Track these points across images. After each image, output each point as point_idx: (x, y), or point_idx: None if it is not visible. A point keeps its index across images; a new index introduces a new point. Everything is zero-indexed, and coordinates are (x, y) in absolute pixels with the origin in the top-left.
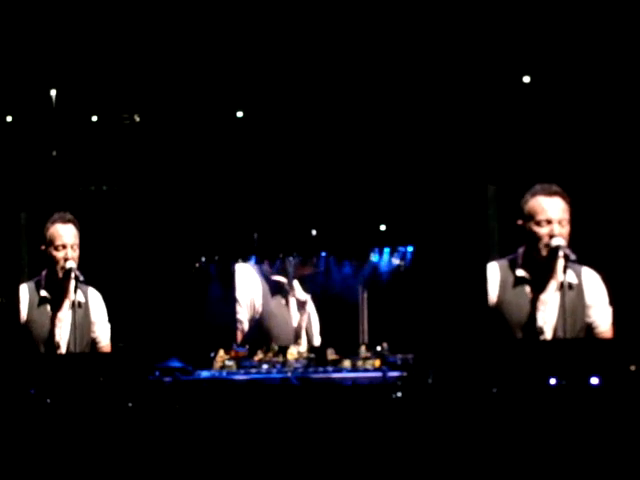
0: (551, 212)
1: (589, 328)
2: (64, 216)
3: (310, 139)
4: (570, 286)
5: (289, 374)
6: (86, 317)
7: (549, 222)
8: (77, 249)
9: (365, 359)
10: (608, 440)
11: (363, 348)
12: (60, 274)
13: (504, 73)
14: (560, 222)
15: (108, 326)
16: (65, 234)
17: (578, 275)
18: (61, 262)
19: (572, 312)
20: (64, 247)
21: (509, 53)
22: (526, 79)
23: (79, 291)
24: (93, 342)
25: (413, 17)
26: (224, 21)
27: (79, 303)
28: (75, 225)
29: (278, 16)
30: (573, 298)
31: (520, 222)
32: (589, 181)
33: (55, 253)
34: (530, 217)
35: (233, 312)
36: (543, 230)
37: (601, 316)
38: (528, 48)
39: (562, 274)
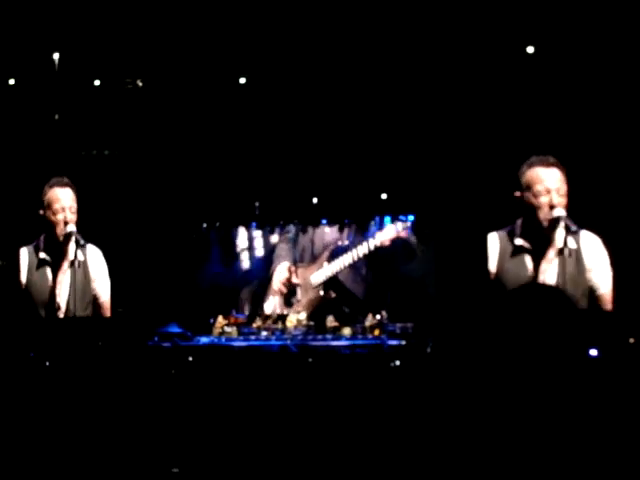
0: (549, 182)
1: (590, 291)
2: (61, 180)
3: (313, 106)
4: (570, 251)
5: (288, 341)
6: (85, 275)
7: (548, 192)
8: (75, 212)
9: (369, 327)
10: (606, 413)
11: (369, 316)
12: (60, 238)
13: (499, 46)
14: (558, 191)
15: (109, 281)
16: (63, 197)
17: (577, 240)
18: (60, 225)
19: (572, 277)
20: (63, 210)
21: (507, 27)
22: (530, 50)
23: (79, 251)
24: (94, 299)
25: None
26: None
27: (79, 263)
28: (72, 189)
29: None
30: (572, 263)
31: (518, 194)
32: (588, 149)
33: (54, 216)
34: (528, 187)
35: (233, 278)
36: (542, 200)
37: (601, 279)
38: (529, 22)
39: (562, 242)
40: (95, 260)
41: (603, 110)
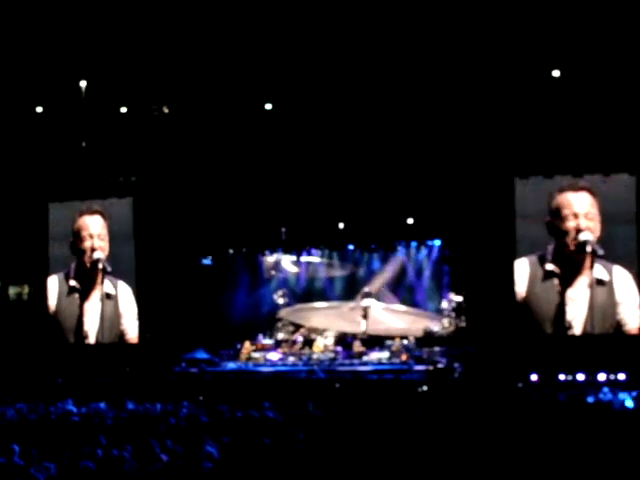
0: (577, 206)
1: (618, 325)
2: (91, 207)
3: (338, 132)
4: (601, 282)
5: (315, 367)
6: (115, 309)
7: (576, 216)
8: (105, 239)
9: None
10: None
11: (396, 340)
12: (88, 264)
13: (532, 67)
14: (586, 215)
15: (136, 320)
16: (92, 224)
17: (609, 272)
18: (88, 252)
19: (602, 308)
20: (91, 237)
21: (535, 46)
22: (556, 73)
23: (109, 283)
24: (121, 334)
25: (442, 8)
26: (254, 14)
27: (108, 295)
28: (102, 216)
29: (306, 13)
30: (603, 294)
31: (548, 219)
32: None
33: (82, 244)
34: (557, 212)
35: (259, 304)
36: (570, 224)
37: (631, 314)
38: (555, 42)
39: (590, 270)
40: (125, 296)
41: (628, 131)
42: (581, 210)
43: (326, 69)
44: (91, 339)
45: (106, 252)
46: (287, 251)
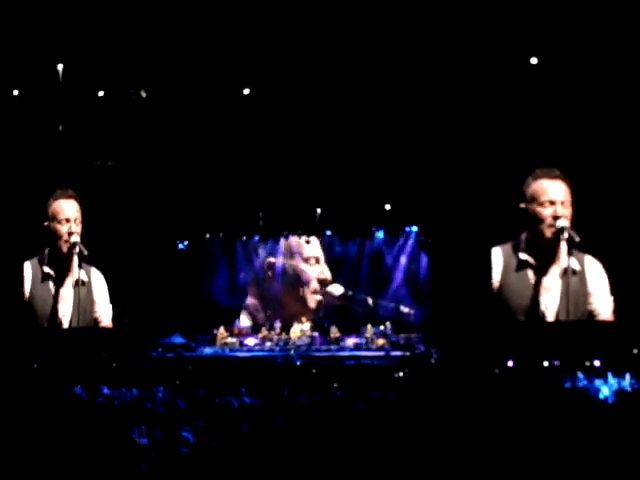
0: (553, 193)
1: (590, 315)
2: (66, 192)
3: (316, 118)
4: (574, 272)
5: (292, 352)
6: (89, 296)
7: (552, 203)
8: (79, 224)
9: (370, 338)
10: (606, 424)
11: (369, 327)
12: (64, 249)
13: (505, 57)
14: (563, 203)
15: (110, 307)
16: (67, 209)
17: (581, 262)
18: (64, 236)
19: (575, 298)
20: (67, 221)
21: (512, 38)
22: (533, 60)
23: (82, 270)
24: (95, 321)
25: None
26: None
27: (82, 281)
28: (77, 200)
29: None
30: (576, 284)
31: (523, 205)
32: (591, 169)
33: (58, 227)
34: (533, 199)
35: (236, 289)
36: (546, 211)
37: (602, 305)
38: (532, 33)
39: (566, 257)
40: (98, 283)
41: (608, 126)
42: (558, 198)
43: (304, 54)
44: (65, 325)
45: (80, 236)
46: (264, 236)
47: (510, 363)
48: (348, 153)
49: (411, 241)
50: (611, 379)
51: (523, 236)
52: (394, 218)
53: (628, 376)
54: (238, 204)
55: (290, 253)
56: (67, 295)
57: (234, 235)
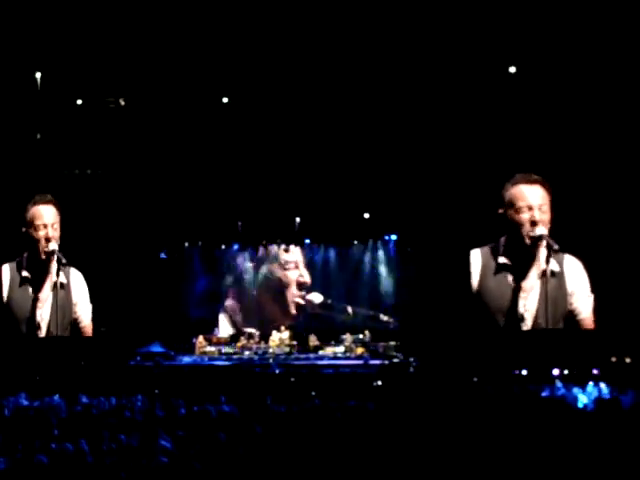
0: (531, 198)
1: (570, 316)
2: (44, 197)
3: (295, 126)
4: (552, 273)
5: (271, 361)
6: (67, 298)
7: (530, 208)
8: (58, 229)
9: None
10: (584, 433)
11: (347, 335)
12: (42, 255)
13: (484, 64)
14: (540, 208)
15: (90, 307)
16: (46, 214)
17: (560, 263)
18: (42, 242)
19: (553, 300)
20: (45, 227)
21: (490, 48)
22: (512, 69)
23: (61, 272)
24: (75, 323)
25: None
26: (211, 5)
27: (61, 284)
28: (55, 206)
29: (265, 2)
30: (555, 285)
31: (501, 210)
32: (571, 170)
33: (36, 233)
34: (511, 204)
35: (216, 298)
36: (524, 216)
37: (582, 304)
38: (510, 42)
39: (544, 263)
40: (78, 284)
41: (586, 130)
42: (535, 202)
43: (281, 64)
44: (43, 329)
45: (59, 242)
46: (243, 245)
47: (490, 370)
48: (327, 162)
49: (390, 249)
50: (590, 387)
51: (502, 240)
52: (373, 226)
53: (606, 384)
54: (217, 213)
55: (269, 258)
56: (46, 298)
57: (213, 244)
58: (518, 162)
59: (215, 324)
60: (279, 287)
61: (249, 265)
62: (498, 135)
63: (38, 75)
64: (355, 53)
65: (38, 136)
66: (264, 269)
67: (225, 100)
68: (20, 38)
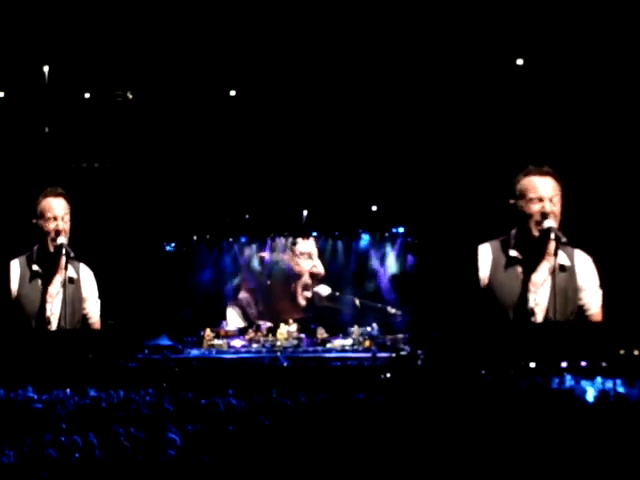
0: (542, 190)
1: (580, 310)
2: (55, 190)
3: (303, 120)
4: (562, 268)
5: (278, 354)
6: (77, 293)
7: (540, 200)
8: (68, 222)
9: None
10: (592, 424)
11: (355, 328)
12: (51, 248)
13: (495, 57)
14: (551, 200)
15: (98, 303)
16: (56, 206)
17: (570, 257)
18: (52, 234)
19: (564, 294)
20: (55, 219)
21: (500, 39)
22: (519, 61)
23: (71, 267)
24: (84, 318)
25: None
26: (218, 0)
27: (71, 279)
28: (66, 198)
29: None
30: (565, 280)
31: (512, 201)
32: (582, 166)
33: (46, 225)
34: (522, 195)
35: (223, 291)
36: (535, 207)
37: (591, 299)
38: (521, 35)
39: (554, 256)
40: (87, 280)
41: (598, 122)
42: (546, 194)
43: (289, 56)
44: (53, 324)
45: (68, 235)
46: (251, 238)
47: (498, 363)
48: (335, 155)
49: (398, 242)
50: (598, 380)
51: (512, 232)
52: (381, 219)
53: (615, 377)
54: (225, 206)
55: (281, 249)
56: (56, 293)
57: (221, 237)
58: (528, 156)
59: (223, 317)
60: (292, 278)
61: (260, 257)
62: (508, 128)
63: (46, 69)
64: (364, 46)
65: (46, 129)
66: (277, 260)
67: (232, 93)
68: (28, 32)
